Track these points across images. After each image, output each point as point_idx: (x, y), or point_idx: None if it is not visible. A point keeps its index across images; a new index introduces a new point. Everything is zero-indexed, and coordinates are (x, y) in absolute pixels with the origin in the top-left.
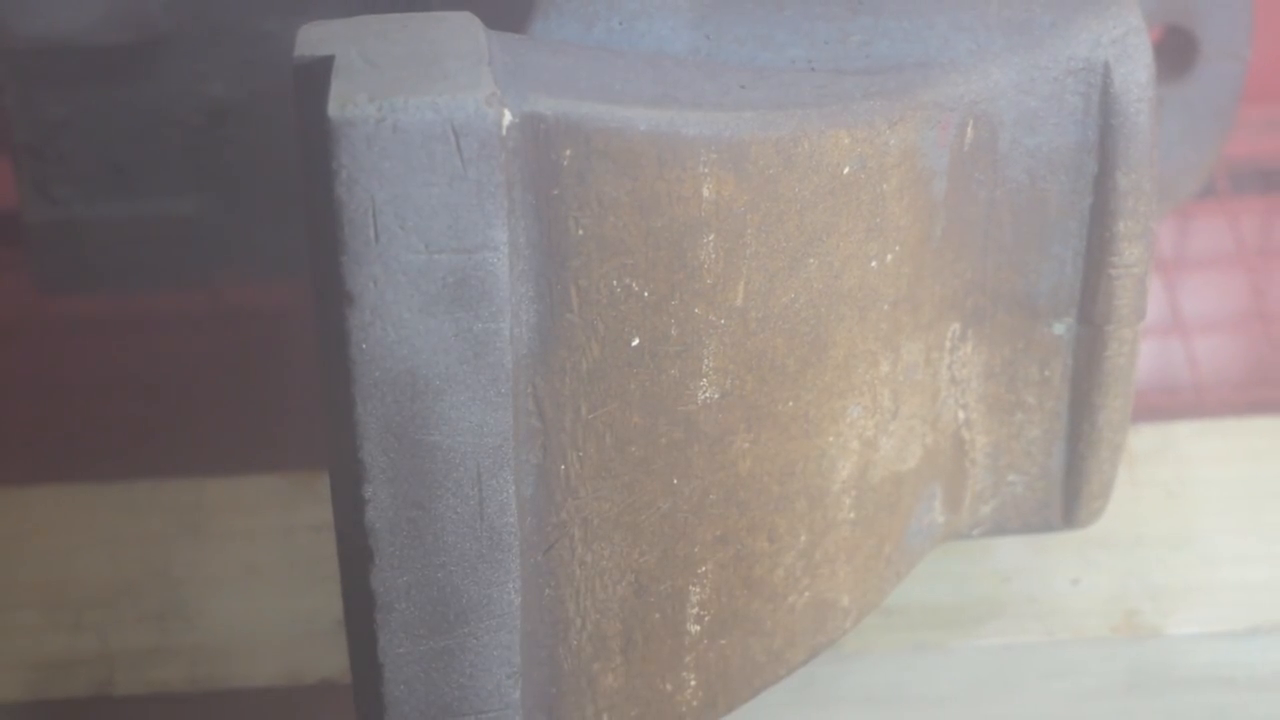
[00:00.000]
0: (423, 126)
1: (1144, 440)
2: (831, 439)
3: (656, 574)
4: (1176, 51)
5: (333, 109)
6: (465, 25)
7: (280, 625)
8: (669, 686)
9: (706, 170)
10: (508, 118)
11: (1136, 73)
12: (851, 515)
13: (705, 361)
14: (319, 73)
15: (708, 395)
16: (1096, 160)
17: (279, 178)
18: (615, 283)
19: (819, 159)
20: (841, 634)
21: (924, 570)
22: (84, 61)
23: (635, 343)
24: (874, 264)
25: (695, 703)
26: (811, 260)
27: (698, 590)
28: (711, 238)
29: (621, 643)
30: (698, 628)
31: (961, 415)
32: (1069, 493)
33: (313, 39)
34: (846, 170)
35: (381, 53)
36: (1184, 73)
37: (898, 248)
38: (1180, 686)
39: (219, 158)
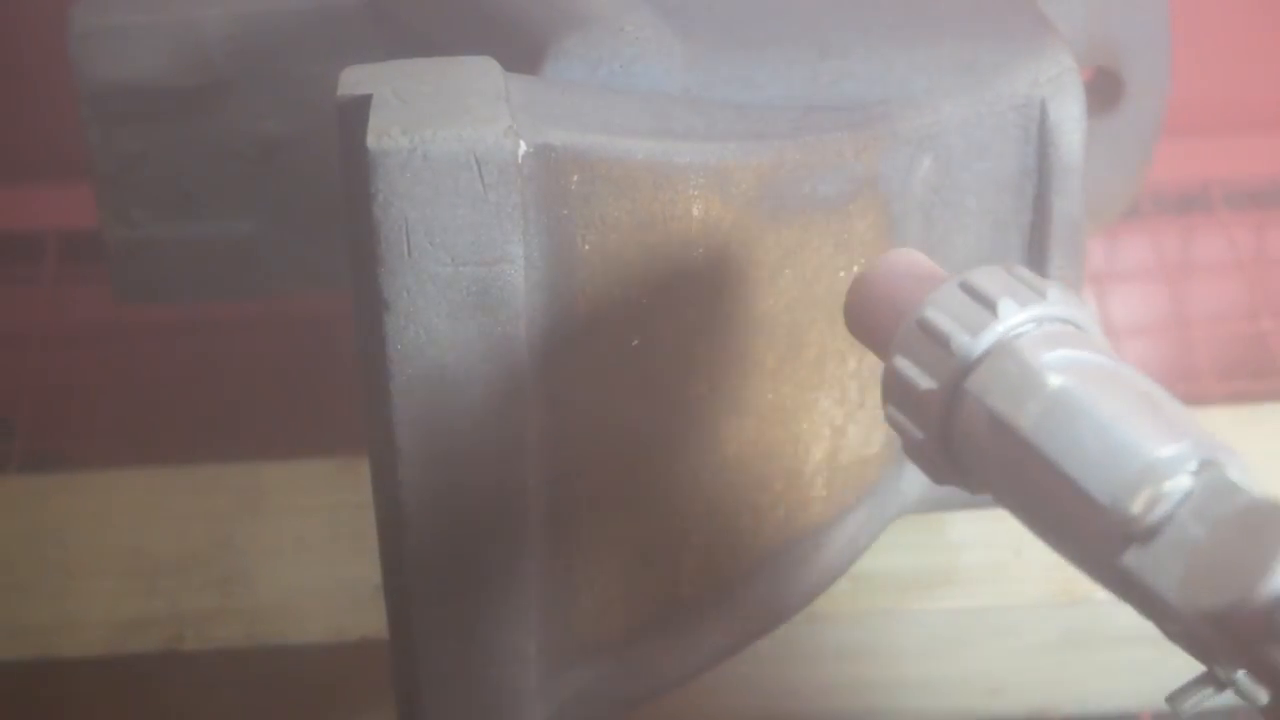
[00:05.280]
0: (449, 155)
1: None
2: (806, 427)
3: (654, 545)
4: (1105, 89)
5: (371, 141)
6: (485, 68)
7: (327, 590)
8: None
9: (696, 193)
10: (523, 148)
11: (1069, 108)
12: (823, 493)
13: (696, 359)
14: (359, 109)
15: (698, 389)
16: (1035, 184)
17: (324, 202)
18: (617, 291)
19: (794, 183)
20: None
21: (886, 541)
22: (155, 102)
23: (635, 343)
24: (842, 274)
25: None
26: (787, 271)
27: (690, 559)
28: (700, 251)
29: (623, 605)
30: (690, 591)
31: None
32: None
33: (353, 80)
34: (818, 193)
35: (413, 91)
36: (1111, 108)
37: (862, 260)
38: (1109, 644)
39: (272, 185)
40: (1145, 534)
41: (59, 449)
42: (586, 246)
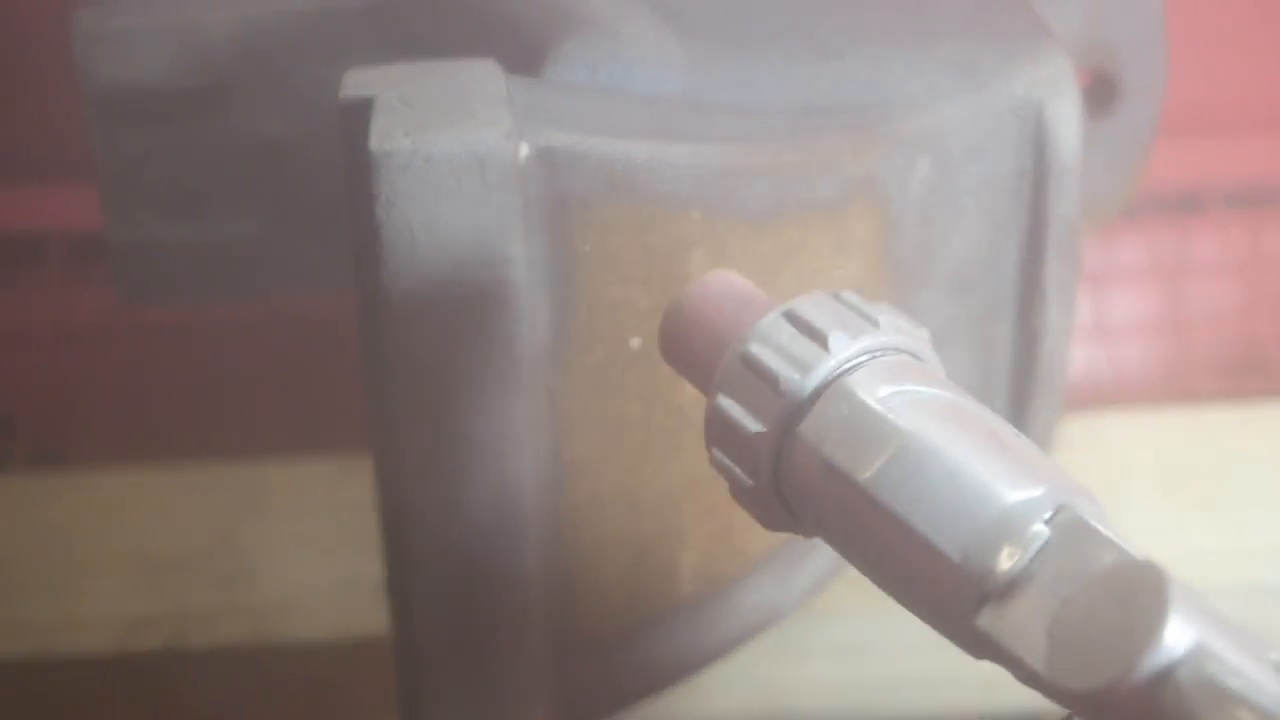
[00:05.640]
0: (451, 158)
1: (1073, 429)
2: None
3: (653, 543)
4: (1101, 92)
5: (374, 143)
6: (487, 70)
7: (330, 587)
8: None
9: (695, 194)
10: (524, 150)
11: (1066, 110)
12: None
13: None
14: (362, 112)
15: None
16: (1031, 185)
17: (327, 203)
18: (617, 292)
19: (792, 184)
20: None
21: None
22: (159, 104)
23: (634, 344)
24: (840, 274)
25: None
26: (786, 271)
27: (689, 557)
28: (700, 252)
29: (623, 603)
30: (689, 589)
31: None
32: None
33: (356, 83)
34: (816, 194)
35: (416, 94)
36: (1107, 110)
37: (860, 261)
38: None
39: (276, 187)
40: (1002, 591)
41: (62, 448)
42: (587, 247)
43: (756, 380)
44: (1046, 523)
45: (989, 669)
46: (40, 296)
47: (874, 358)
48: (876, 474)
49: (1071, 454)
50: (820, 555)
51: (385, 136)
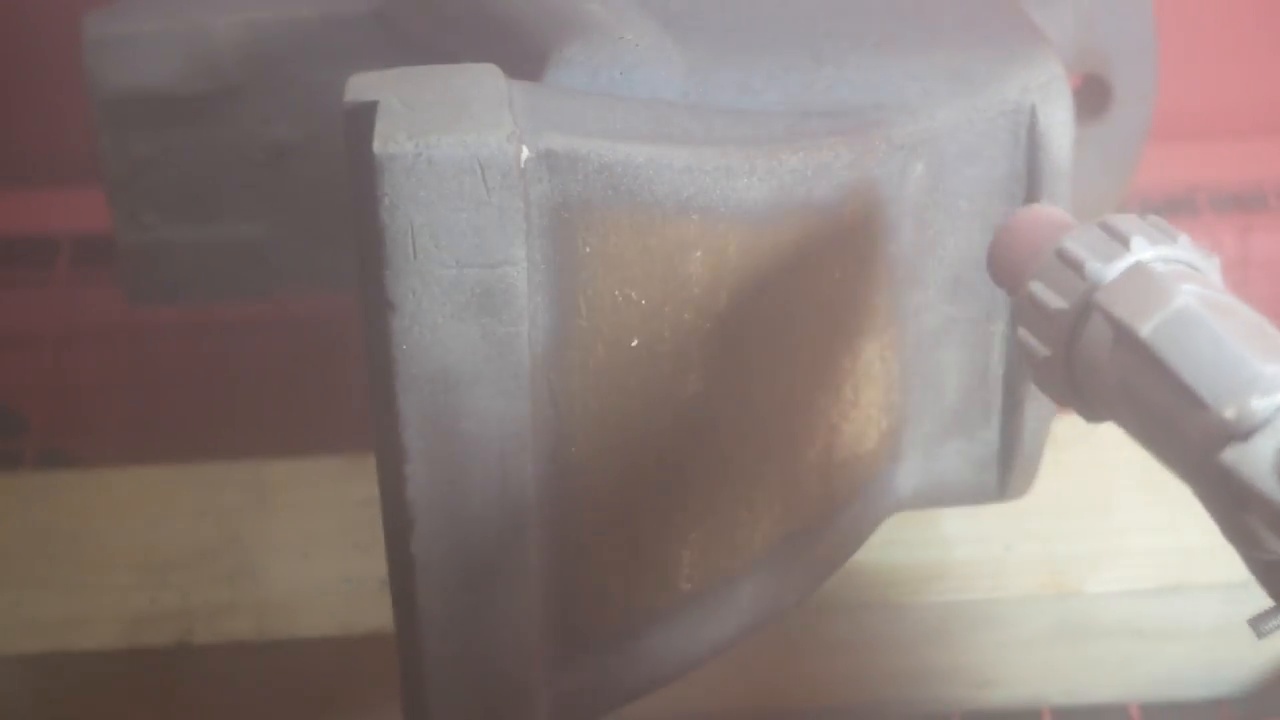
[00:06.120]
0: (453, 160)
1: (1067, 427)
2: (801, 425)
3: (653, 540)
4: (1093, 96)
5: (377, 146)
6: (489, 74)
7: (334, 585)
8: None
9: (694, 197)
10: (525, 153)
11: (1058, 114)
12: (819, 489)
13: (693, 359)
14: (365, 115)
15: (696, 388)
16: (1024, 187)
17: (331, 205)
18: (617, 293)
19: (790, 187)
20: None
21: (880, 537)
22: (167, 108)
23: (634, 343)
24: (837, 274)
25: None
26: (784, 272)
27: (688, 554)
28: (699, 254)
29: (623, 599)
30: (688, 585)
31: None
32: (1003, 469)
33: (360, 87)
34: (814, 196)
35: (418, 98)
36: (1099, 114)
37: (856, 263)
38: (1097, 637)
39: (281, 189)
40: (1245, 434)
41: (71, 447)
42: (587, 249)
43: (1066, 269)
44: None
45: (985, 666)
46: (49, 298)
47: (1168, 264)
48: (1155, 329)
49: (1064, 451)
50: (817, 553)
51: (388, 140)
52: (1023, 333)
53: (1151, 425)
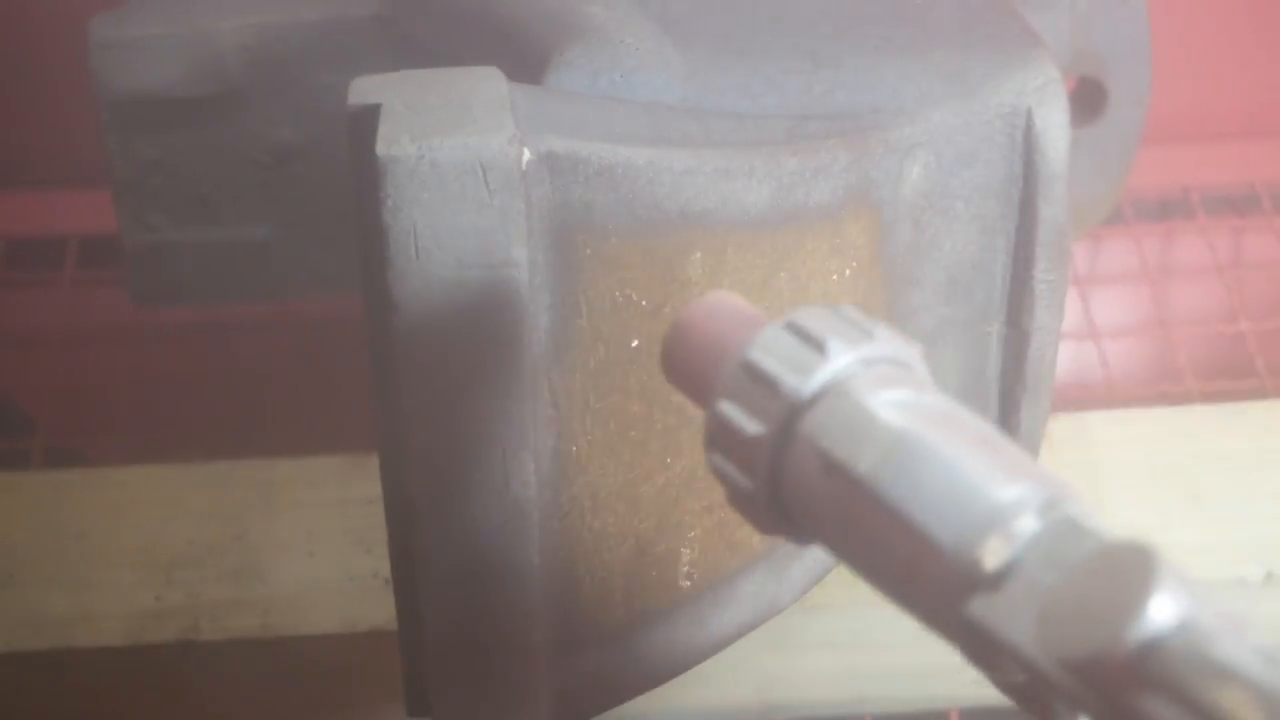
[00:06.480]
0: (455, 163)
1: (1061, 427)
2: None
3: (653, 538)
4: (1088, 99)
5: (380, 148)
6: (491, 78)
7: (338, 582)
8: None
9: (693, 199)
10: (527, 155)
11: (1054, 116)
12: None
13: None
14: (369, 118)
15: None
16: (1021, 190)
17: (335, 207)
18: (617, 294)
19: (789, 189)
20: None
21: None
22: (172, 110)
23: (634, 344)
24: (835, 277)
25: None
26: (782, 274)
27: (688, 552)
28: (698, 255)
29: (624, 596)
30: (688, 583)
31: None
32: None
33: (364, 90)
34: (812, 198)
35: (421, 101)
36: (1095, 117)
37: (854, 264)
38: None
39: (285, 191)
40: (992, 580)
41: (78, 447)
42: (588, 250)
43: (757, 385)
44: (1036, 516)
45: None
46: (56, 299)
47: (869, 366)
48: (874, 467)
49: (1059, 451)
50: (816, 551)
51: (391, 142)
52: (716, 459)
53: (882, 570)
